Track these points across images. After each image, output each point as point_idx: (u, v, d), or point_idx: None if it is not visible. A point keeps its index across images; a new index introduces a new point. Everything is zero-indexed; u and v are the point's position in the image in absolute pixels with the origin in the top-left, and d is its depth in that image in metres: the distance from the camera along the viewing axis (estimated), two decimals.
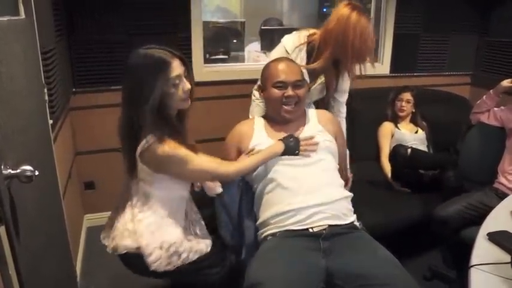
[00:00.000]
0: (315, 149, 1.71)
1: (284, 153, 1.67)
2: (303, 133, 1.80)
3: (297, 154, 1.69)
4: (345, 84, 2.12)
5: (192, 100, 1.49)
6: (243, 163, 1.64)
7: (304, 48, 2.00)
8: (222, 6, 4.86)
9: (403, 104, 2.84)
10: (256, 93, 2.13)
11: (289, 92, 1.74)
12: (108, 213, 2.88)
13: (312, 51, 1.98)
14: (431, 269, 2.32)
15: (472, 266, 1.16)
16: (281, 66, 1.78)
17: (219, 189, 1.70)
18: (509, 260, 1.11)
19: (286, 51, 1.98)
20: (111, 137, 2.72)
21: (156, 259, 1.45)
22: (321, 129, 1.83)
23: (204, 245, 1.58)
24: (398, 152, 2.57)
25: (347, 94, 2.18)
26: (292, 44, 1.99)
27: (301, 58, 1.99)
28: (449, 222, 2.04)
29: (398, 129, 2.82)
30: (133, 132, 1.41)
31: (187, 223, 1.61)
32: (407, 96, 2.85)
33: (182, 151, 1.42)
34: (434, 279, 2.31)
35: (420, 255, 2.50)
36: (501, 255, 1.22)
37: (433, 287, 2.25)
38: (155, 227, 1.48)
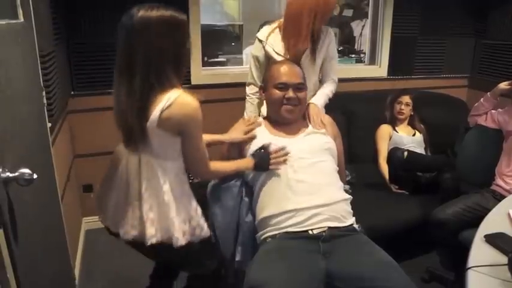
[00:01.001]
0: (284, 161, 1.68)
1: (256, 168, 1.68)
2: (305, 133, 1.82)
3: (267, 169, 1.68)
4: (330, 49, 2.17)
5: None
6: (220, 167, 1.63)
7: (278, 33, 2.13)
8: (221, 9, 4.88)
9: (403, 107, 2.85)
10: (247, 90, 2.20)
11: (290, 93, 1.76)
12: None
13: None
14: (429, 271, 2.32)
15: (469, 268, 1.16)
16: (284, 68, 1.81)
17: None
18: (506, 262, 1.12)
19: (259, 40, 2.14)
20: (110, 140, 2.72)
21: (183, 234, 1.42)
22: (322, 130, 1.85)
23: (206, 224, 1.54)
24: (394, 155, 2.59)
25: (336, 59, 2.26)
26: (265, 31, 2.15)
27: (279, 41, 2.10)
28: (447, 224, 2.05)
29: (396, 131, 2.83)
30: (146, 96, 1.33)
31: None
32: (406, 99, 2.86)
33: (200, 125, 1.40)
34: (432, 281, 2.31)
35: (418, 258, 2.50)
36: (498, 257, 1.22)
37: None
38: (177, 204, 1.43)
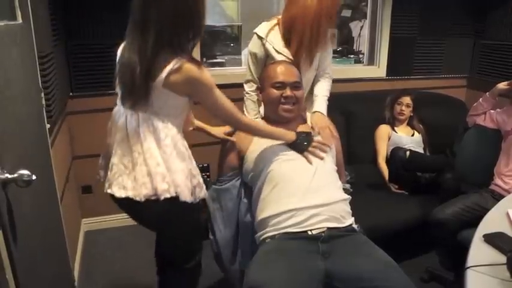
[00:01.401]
0: (323, 156, 1.71)
1: (293, 145, 1.71)
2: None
3: (302, 151, 1.70)
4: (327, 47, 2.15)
5: None
6: (256, 123, 1.71)
7: (278, 30, 2.08)
8: (220, 10, 4.87)
9: (403, 108, 2.85)
10: (246, 87, 2.19)
11: (288, 92, 1.77)
12: (107, 217, 2.91)
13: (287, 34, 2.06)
14: (428, 271, 2.33)
15: (468, 268, 1.16)
16: (280, 67, 1.82)
17: None
18: (505, 262, 1.12)
19: (259, 36, 2.09)
20: None
21: (185, 190, 1.45)
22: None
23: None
24: (396, 155, 2.59)
25: (331, 54, 2.24)
26: (264, 28, 2.09)
27: (279, 39, 2.07)
28: (446, 224, 2.05)
29: (395, 132, 2.83)
30: (156, 56, 1.37)
31: None
32: (407, 100, 2.86)
33: (213, 81, 1.45)
34: (431, 281, 2.32)
35: (417, 258, 2.51)
36: (497, 256, 1.22)
37: None
38: (180, 160, 1.46)
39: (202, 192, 1.54)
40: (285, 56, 2.04)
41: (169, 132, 1.44)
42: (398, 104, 2.87)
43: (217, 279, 2.24)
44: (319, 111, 2.01)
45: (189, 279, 1.74)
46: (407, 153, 2.56)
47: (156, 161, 1.42)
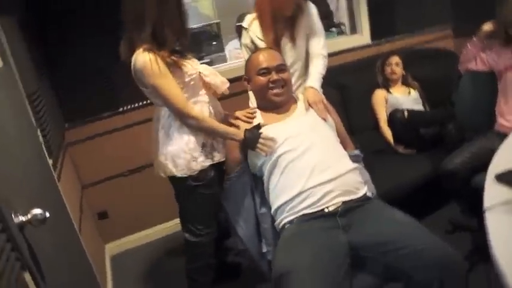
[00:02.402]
0: (270, 151, 1.71)
1: (243, 143, 1.76)
2: (296, 113, 1.84)
3: (253, 149, 1.73)
4: (311, 25, 2.15)
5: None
6: (206, 119, 1.76)
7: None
8: (196, 11, 4.85)
9: (394, 67, 2.84)
10: None
11: (274, 76, 1.79)
12: (129, 237, 2.93)
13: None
14: (451, 223, 2.34)
15: (485, 211, 1.17)
16: (262, 54, 1.85)
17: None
18: None
19: (244, 28, 2.15)
20: (113, 163, 2.78)
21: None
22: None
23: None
24: (395, 117, 2.59)
25: (321, 33, 2.20)
26: (248, 19, 2.16)
27: (259, 28, 2.12)
28: (457, 173, 2.05)
29: (391, 94, 2.83)
30: (129, 53, 1.67)
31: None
32: (395, 59, 2.85)
33: (158, 73, 1.62)
34: (456, 231, 2.32)
35: (438, 211, 2.52)
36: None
37: (457, 239, 2.26)
38: (169, 140, 1.76)
39: (199, 165, 1.76)
40: (266, 42, 2.07)
41: (162, 120, 1.76)
42: (388, 66, 2.86)
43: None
44: (312, 87, 2.01)
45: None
46: (405, 113, 2.57)
47: (164, 144, 1.76)
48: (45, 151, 1.80)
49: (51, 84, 2.54)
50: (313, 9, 2.17)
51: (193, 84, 1.76)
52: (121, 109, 2.69)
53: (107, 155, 2.73)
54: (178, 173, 1.77)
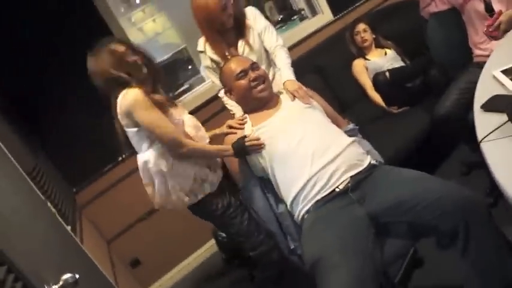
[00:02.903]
0: (262, 145, 1.75)
1: (236, 155, 1.79)
2: (282, 106, 1.87)
3: (247, 154, 1.77)
4: (257, 26, 2.16)
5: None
6: (197, 144, 1.78)
7: None
8: (161, 42, 4.89)
9: (363, 34, 2.86)
10: (221, 95, 2.25)
11: (252, 75, 1.83)
12: (166, 276, 2.97)
13: None
14: (464, 164, 2.35)
15: (480, 142, 1.19)
16: (232, 62, 1.90)
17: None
18: (507, 119, 1.15)
19: (201, 51, 2.22)
20: (129, 210, 2.82)
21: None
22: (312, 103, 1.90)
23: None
24: (378, 81, 2.62)
25: (269, 27, 2.20)
26: (201, 42, 2.21)
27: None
28: (451, 115, 2.06)
29: (369, 60, 2.86)
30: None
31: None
32: (362, 26, 2.87)
33: (145, 108, 1.65)
34: (472, 171, 2.34)
35: (448, 158, 2.53)
36: (501, 118, 1.21)
37: (475, 178, 2.28)
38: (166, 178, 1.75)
39: (199, 196, 1.80)
40: (222, 57, 2.13)
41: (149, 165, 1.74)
42: (356, 35, 2.89)
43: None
44: (287, 80, 2.02)
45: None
46: (387, 74, 2.59)
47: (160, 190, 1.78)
48: (60, 220, 1.85)
49: (48, 155, 2.59)
50: (250, 13, 2.19)
51: (177, 127, 1.77)
52: (120, 158, 2.73)
53: (121, 205, 2.77)
54: (190, 201, 1.81)
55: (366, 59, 2.87)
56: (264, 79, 1.85)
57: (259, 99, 1.85)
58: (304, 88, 1.95)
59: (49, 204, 1.85)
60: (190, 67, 4.08)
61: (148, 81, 1.76)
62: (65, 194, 2.35)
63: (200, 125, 1.89)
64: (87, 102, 2.55)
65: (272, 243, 1.88)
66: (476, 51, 2.18)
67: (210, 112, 2.90)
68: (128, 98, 1.65)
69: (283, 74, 2.08)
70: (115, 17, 2.75)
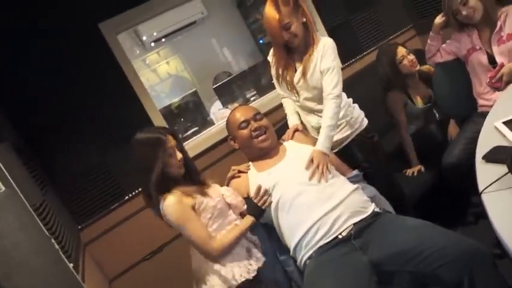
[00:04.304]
0: (270, 198, 1.76)
1: (256, 217, 1.75)
2: (290, 152, 1.90)
3: (263, 211, 1.75)
4: (323, 62, 1.99)
5: (185, 166, 1.77)
6: (226, 239, 1.69)
7: None
8: (174, 85, 4.99)
9: (409, 57, 2.52)
10: (280, 91, 2.26)
11: (254, 125, 1.89)
12: None
13: None
14: (472, 213, 2.32)
15: (480, 194, 1.19)
16: (237, 111, 1.96)
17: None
18: (507, 170, 1.15)
19: (268, 61, 2.21)
20: (133, 250, 2.81)
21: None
22: (299, 144, 1.97)
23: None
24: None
25: (334, 69, 1.99)
26: (271, 53, 2.17)
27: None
28: (459, 164, 2.07)
29: (412, 102, 2.56)
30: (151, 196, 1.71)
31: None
32: (403, 50, 2.56)
33: (182, 219, 1.66)
34: (479, 220, 2.30)
35: (456, 207, 2.50)
36: (502, 169, 1.22)
37: (482, 227, 2.23)
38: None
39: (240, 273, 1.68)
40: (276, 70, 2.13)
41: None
42: (402, 61, 2.53)
43: None
44: (318, 149, 1.88)
45: None
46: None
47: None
48: (63, 257, 1.85)
49: (55, 192, 2.61)
50: (325, 45, 2.01)
51: (220, 207, 1.75)
52: (126, 197, 2.75)
53: (125, 245, 2.76)
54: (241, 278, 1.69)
55: (407, 94, 2.55)
56: (265, 129, 1.91)
57: (260, 148, 1.91)
58: (326, 166, 1.82)
59: (53, 240, 1.86)
60: (199, 110, 4.13)
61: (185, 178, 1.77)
62: (69, 230, 2.36)
63: (236, 193, 1.86)
64: (96, 141, 2.62)
65: None
66: (480, 101, 2.21)
67: (217, 155, 2.92)
68: (164, 208, 1.68)
69: (319, 137, 1.93)
70: (128, 59, 2.80)
